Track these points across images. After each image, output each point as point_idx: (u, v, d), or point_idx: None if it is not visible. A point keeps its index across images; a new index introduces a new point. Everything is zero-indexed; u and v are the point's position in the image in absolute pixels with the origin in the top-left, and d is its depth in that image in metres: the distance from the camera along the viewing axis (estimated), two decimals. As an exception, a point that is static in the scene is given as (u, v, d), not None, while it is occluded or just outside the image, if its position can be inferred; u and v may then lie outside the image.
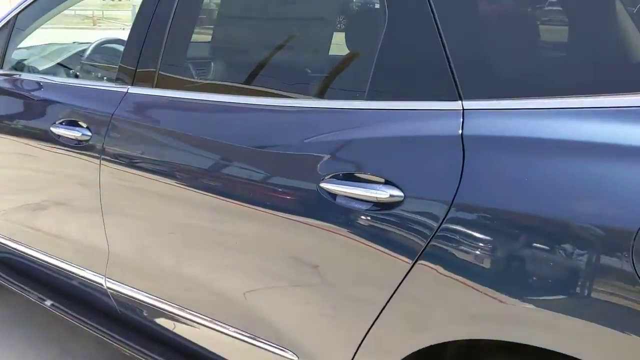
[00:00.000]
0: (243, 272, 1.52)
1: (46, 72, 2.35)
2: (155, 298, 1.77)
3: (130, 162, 1.71)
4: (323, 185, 1.29)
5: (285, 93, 1.55)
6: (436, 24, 1.24)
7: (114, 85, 1.85)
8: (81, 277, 2.00)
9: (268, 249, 1.44)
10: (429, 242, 1.16)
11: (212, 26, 1.91)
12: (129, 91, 1.79)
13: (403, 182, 1.20)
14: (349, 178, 1.27)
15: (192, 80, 1.84)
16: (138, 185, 1.72)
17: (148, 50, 1.77)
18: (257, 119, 1.51)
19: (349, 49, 1.65)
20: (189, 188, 1.58)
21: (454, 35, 1.23)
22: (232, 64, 1.82)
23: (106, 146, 1.77)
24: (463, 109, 1.18)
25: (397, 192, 1.20)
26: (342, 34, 1.67)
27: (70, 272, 2.03)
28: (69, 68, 2.36)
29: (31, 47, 2.69)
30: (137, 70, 1.78)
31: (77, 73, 2.28)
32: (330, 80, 1.56)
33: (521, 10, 1.32)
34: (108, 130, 1.77)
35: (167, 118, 1.73)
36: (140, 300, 1.81)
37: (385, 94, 1.31)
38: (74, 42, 3.02)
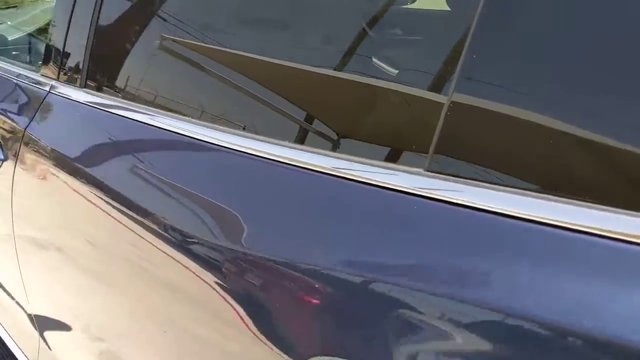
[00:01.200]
0: None
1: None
2: None
3: (44, 214, 1.05)
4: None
5: (266, 131, 0.77)
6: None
7: (37, 80, 1.17)
8: (12, 353, 1.39)
9: None
10: None
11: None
12: (51, 91, 1.11)
13: None
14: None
15: (142, 89, 1.02)
16: (56, 240, 1.06)
17: (77, 21, 1.07)
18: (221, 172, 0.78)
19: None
20: (125, 261, 0.90)
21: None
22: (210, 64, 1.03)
23: (16, 180, 1.11)
24: None
25: None
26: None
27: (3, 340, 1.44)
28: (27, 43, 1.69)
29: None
30: (63, 57, 1.09)
31: (21, 53, 1.61)
32: (360, 125, 0.72)
33: None
34: (18, 155, 1.11)
35: (104, 140, 1.03)
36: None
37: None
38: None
